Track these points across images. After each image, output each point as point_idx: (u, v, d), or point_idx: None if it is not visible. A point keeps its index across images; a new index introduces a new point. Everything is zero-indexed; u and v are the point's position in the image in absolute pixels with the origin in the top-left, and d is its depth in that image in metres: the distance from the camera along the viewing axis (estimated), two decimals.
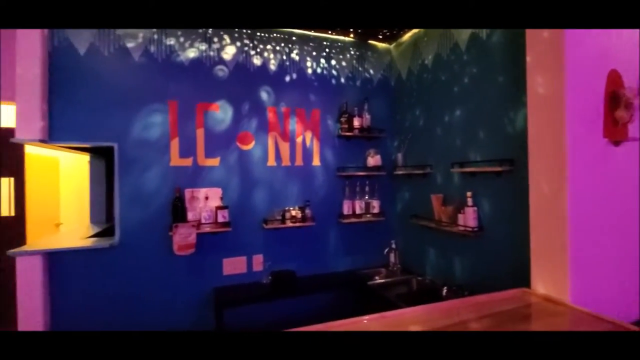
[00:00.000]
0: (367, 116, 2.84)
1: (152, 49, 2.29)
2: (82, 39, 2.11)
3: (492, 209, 1.95)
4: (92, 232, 2.51)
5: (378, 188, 2.89)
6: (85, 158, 3.40)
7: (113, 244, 2.10)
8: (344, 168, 2.80)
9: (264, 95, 2.62)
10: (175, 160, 2.33)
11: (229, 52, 2.52)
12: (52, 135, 2.03)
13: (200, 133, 2.41)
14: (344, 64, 2.89)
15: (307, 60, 2.77)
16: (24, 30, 1.93)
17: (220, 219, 2.32)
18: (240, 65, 2.55)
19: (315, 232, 2.72)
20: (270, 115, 2.62)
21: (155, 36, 2.31)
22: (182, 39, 2.38)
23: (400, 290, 2.57)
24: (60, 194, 4.22)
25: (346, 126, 2.77)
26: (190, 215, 2.27)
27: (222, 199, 2.41)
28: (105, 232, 2.45)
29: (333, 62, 2.86)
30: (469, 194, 2.04)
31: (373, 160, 2.84)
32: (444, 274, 2.37)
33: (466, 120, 2.18)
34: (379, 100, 3.00)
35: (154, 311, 2.24)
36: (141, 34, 2.27)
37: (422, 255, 2.62)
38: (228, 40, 2.52)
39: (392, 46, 3.06)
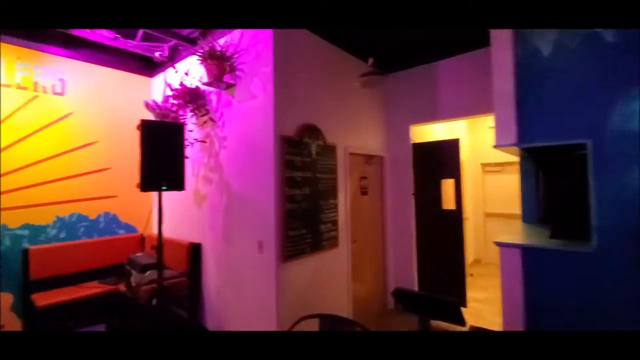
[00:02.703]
0: None
1: None
2: (546, 40, 2.14)
3: None
4: (522, 231, 2.53)
5: None
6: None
7: (588, 249, 1.93)
8: None
9: None
10: None
11: None
12: (521, 138, 2.20)
13: None
14: None
15: None
16: (498, 47, 2.23)
17: None
18: None
19: None
20: None
21: None
22: None
23: None
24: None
25: None
26: None
27: None
28: (557, 233, 2.36)
29: None
30: None
31: None
32: None
33: None
34: None
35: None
36: None
37: None
38: None
39: None
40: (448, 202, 3.75)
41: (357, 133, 3.56)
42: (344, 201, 3.29)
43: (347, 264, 3.30)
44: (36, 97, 3.21)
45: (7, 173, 3.01)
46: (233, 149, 2.96)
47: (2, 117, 3.00)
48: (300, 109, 2.82)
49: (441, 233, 3.81)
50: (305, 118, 2.87)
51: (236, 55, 2.87)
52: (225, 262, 3.00)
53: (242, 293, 2.82)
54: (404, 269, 3.97)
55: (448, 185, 3.77)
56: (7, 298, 2.84)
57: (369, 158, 3.84)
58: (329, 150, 3.11)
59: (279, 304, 2.52)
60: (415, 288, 3.88)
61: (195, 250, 3.27)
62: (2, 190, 2.98)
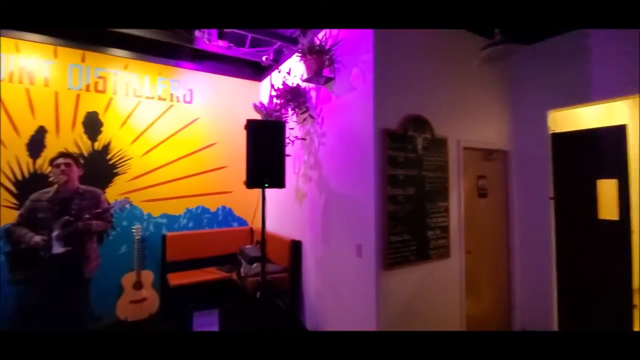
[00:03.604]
0: None
1: None
2: None
3: None
4: None
5: None
6: None
7: None
8: None
9: None
10: None
11: None
12: None
13: None
14: None
15: None
16: None
17: None
18: None
19: None
20: None
21: None
22: None
23: None
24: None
25: None
26: None
27: None
28: None
29: None
30: None
31: None
32: None
33: None
34: None
35: None
36: None
37: None
38: None
39: None
40: (607, 209, 2.82)
41: (473, 123, 3.00)
42: (456, 204, 2.81)
43: (460, 278, 2.81)
44: (172, 106, 3.77)
45: (150, 171, 3.62)
46: (332, 146, 2.85)
47: (147, 125, 3.63)
48: (404, 98, 2.50)
49: (595, 249, 2.90)
50: (410, 108, 2.53)
51: (335, 47, 2.74)
52: (324, 263, 2.92)
53: (341, 297, 2.68)
54: (536, 291, 3.19)
55: (607, 187, 2.83)
56: (149, 275, 3.41)
57: (488, 153, 3.21)
58: (439, 144, 2.69)
59: (380, 316, 2.28)
60: (554, 316, 3.07)
61: (296, 247, 3.30)
62: (147, 184, 3.60)
